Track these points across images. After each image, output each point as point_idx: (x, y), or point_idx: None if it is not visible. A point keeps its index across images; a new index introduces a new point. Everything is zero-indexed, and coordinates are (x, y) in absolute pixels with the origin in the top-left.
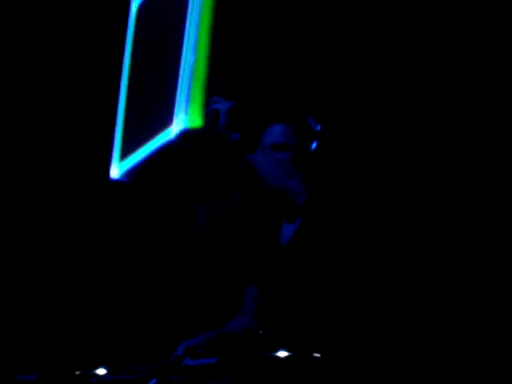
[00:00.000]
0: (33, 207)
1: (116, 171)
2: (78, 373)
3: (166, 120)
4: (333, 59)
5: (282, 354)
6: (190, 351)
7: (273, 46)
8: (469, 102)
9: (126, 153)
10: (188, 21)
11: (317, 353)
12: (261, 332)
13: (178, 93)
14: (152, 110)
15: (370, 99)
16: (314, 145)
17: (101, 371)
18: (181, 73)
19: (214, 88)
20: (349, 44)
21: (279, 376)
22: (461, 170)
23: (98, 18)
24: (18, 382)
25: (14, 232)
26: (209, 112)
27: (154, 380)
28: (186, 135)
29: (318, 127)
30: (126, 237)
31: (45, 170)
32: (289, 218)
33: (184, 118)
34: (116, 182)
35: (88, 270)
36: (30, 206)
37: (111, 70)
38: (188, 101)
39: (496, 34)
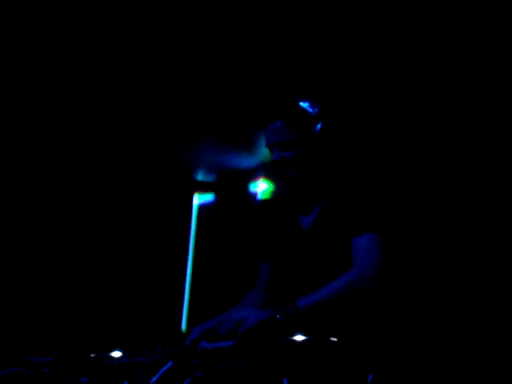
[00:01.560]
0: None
1: None
2: (93, 355)
3: None
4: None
5: (299, 337)
6: (206, 334)
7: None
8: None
9: None
10: None
11: (334, 337)
12: (278, 317)
13: None
14: None
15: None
16: (318, 126)
17: (116, 354)
18: None
19: None
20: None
21: (296, 359)
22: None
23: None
24: (34, 365)
25: (34, 224)
26: None
27: (170, 363)
28: None
29: (316, 109)
30: (138, 226)
31: (45, 169)
32: (304, 211)
33: None
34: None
35: (105, 256)
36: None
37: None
38: None
39: (496, 34)
